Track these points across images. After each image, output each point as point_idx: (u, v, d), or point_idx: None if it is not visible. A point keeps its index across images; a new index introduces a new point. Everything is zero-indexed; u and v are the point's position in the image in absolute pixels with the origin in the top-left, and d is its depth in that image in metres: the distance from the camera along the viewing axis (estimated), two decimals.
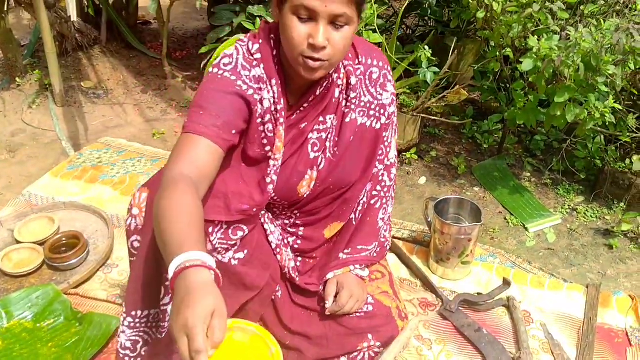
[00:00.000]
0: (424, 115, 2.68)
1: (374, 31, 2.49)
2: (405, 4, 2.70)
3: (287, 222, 1.63)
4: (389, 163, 1.64)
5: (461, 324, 1.90)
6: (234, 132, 1.31)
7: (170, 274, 1.03)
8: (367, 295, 1.67)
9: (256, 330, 1.16)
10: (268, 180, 1.42)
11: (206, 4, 3.85)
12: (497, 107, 3.01)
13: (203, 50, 2.90)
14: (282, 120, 1.39)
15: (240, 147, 1.41)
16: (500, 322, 1.94)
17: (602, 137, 2.57)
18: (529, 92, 2.38)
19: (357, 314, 1.65)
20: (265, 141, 1.41)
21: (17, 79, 3.32)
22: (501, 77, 2.79)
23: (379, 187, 1.65)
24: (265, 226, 1.58)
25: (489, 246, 2.26)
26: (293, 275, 1.64)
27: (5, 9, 3.01)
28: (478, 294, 2.02)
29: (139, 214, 1.39)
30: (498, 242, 2.31)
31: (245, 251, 1.48)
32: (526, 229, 2.38)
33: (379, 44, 2.51)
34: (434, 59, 2.41)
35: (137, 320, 1.50)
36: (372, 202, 1.66)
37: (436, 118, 2.72)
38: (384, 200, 1.67)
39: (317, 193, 1.54)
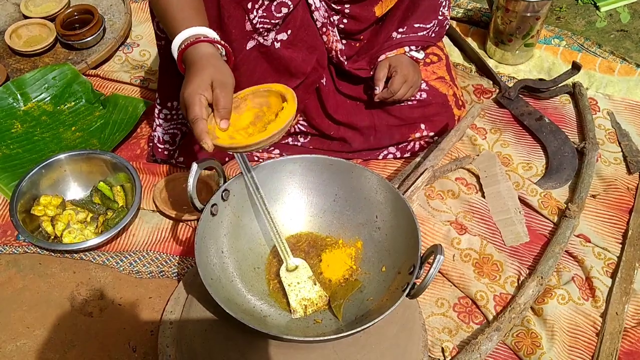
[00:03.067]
0: None
1: None
2: None
3: (333, 19, 1.41)
4: None
5: (520, 112, 1.72)
6: None
7: (175, 55, 1.06)
8: (421, 81, 1.49)
9: (271, 87, 1.04)
10: None
11: None
12: None
13: None
14: None
15: None
16: (563, 110, 1.76)
17: None
18: None
19: (410, 102, 1.51)
20: None
21: None
22: None
23: None
24: (310, 0, 1.34)
25: (554, 27, 1.99)
26: (341, 59, 1.44)
27: None
28: (540, 79, 1.81)
29: None
30: (564, 23, 2.04)
31: (289, 31, 1.30)
32: (597, 7, 2.09)
33: None
34: None
35: (173, 112, 1.45)
36: None
37: None
38: None
39: None
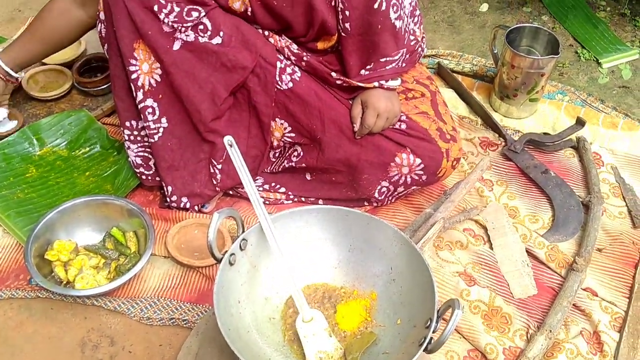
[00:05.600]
0: None
1: None
2: None
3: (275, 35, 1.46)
4: None
5: (526, 165, 1.76)
6: None
7: None
8: (399, 110, 1.50)
9: None
10: None
11: None
12: None
13: None
14: None
15: None
16: (568, 164, 1.79)
17: None
18: None
19: (390, 128, 1.50)
20: None
21: None
22: None
23: None
24: (249, 12, 1.40)
25: (558, 82, 2.05)
26: (298, 52, 1.45)
27: None
28: (545, 133, 1.86)
29: (105, 18, 1.35)
30: (568, 78, 2.09)
31: (221, 33, 1.36)
32: (599, 64, 2.14)
33: None
34: None
35: (135, 132, 1.50)
36: (376, 6, 1.34)
37: None
38: None
39: (259, 8, 1.37)
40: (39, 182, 1.61)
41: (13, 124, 1.72)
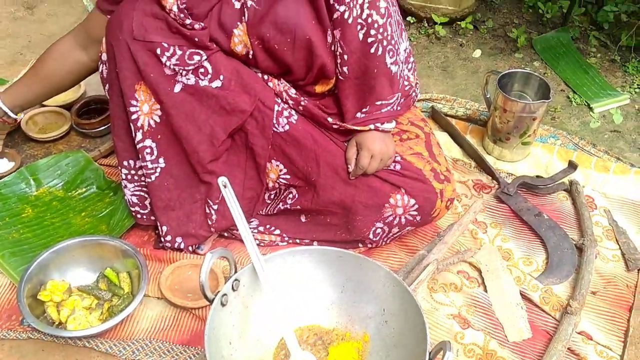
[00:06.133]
0: None
1: None
2: None
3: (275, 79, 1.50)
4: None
5: (519, 207, 1.77)
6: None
7: None
8: (394, 151, 1.52)
9: None
10: (186, 30, 1.34)
11: None
12: None
13: None
14: None
15: None
16: (561, 207, 1.80)
17: None
18: None
19: (385, 169, 1.52)
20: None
21: None
22: None
23: (372, 31, 1.37)
24: (251, 55, 1.43)
25: (550, 126, 2.08)
26: (296, 97, 1.48)
27: None
28: (538, 176, 1.87)
29: (107, 59, 1.39)
30: (560, 122, 2.12)
31: (221, 77, 1.38)
32: (590, 108, 2.18)
33: None
34: None
35: (133, 172, 1.51)
36: (372, 50, 1.39)
37: None
38: (385, 43, 1.40)
39: (263, 53, 1.40)
40: (35, 222, 1.61)
41: (10, 165, 1.74)
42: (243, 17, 1.36)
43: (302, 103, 1.49)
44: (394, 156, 1.53)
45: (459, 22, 2.52)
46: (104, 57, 1.41)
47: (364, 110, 1.49)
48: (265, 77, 1.47)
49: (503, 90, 1.85)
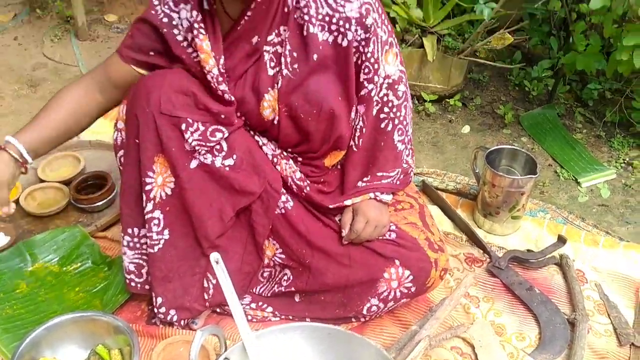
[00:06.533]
0: (470, 59, 2.50)
1: None
2: None
3: (284, 153, 1.54)
4: (391, 81, 1.45)
5: (511, 281, 1.78)
6: (151, 53, 1.42)
7: None
8: (389, 221, 1.55)
9: None
10: (219, 92, 1.38)
11: None
12: (545, 52, 2.81)
13: None
14: (196, 32, 1.35)
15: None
16: (552, 281, 1.81)
17: None
18: (591, 35, 2.19)
19: (380, 239, 1.54)
20: (197, 59, 1.38)
21: (38, 10, 3.16)
22: (555, 19, 2.58)
23: (386, 109, 1.47)
24: (257, 138, 1.48)
25: (539, 200, 2.12)
26: (298, 183, 1.52)
27: None
28: (528, 250, 1.90)
29: (123, 127, 1.40)
30: (548, 197, 2.17)
31: (234, 156, 1.41)
32: (578, 183, 2.23)
33: None
34: None
35: (135, 240, 1.50)
36: (382, 125, 1.48)
37: (485, 61, 2.53)
38: (396, 122, 1.50)
39: (288, 120, 1.43)
40: (29, 298, 1.62)
41: (6, 240, 1.76)
42: (276, 85, 1.40)
43: (305, 191, 1.53)
44: (389, 225, 1.55)
45: (447, 100, 2.62)
46: (120, 125, 1.43)
47: (365, 179, 1.55)
48: (275, 160, 1.51)
49: (491, 166, 1.90)
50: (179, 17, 1.37)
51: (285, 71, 1.38)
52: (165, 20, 1.38)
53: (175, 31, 1.39)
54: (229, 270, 1.27)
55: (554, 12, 2.38)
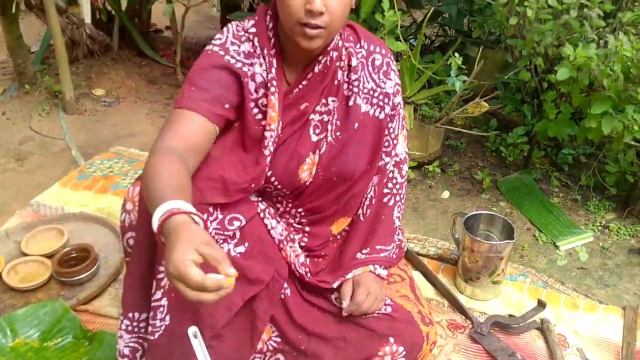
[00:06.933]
0: (447, 127, 2.58)
1: (397, 38, 2.40)
2: (429, 13, 2.60)
3: (291, 220, 1.56)
4: (398, 159, 1.59)
5: (493, 347, 1.78)
6: (226, 106, 1.34)
7: (154, 226, 1.04)
8: (385, 297, 1.57)
9: None
10: (266, 152, 1.38)
11: (220, 12, 3.80)
12: (520, 119, 2.91)
13: None
14: (273, 89, 1.36)
15: (238, 129, 1.40)
16: (534, 346, 1.82)
17: (634, 151, 2.46)
18: (561, 103, 2.28)
19: (376, 314, 1.55)
20: (260, 116, 1.38)
21: (27, 85, 3.24)
22: (527, 87, 2.69)
23: (390, 185, 1.59)
24: (266, 221, 1.49)
25: (519, 264, 2.15)
26: (301, 271, 1.54)
27: (14, 11, 2.93)
28: (510, 315, 1.91)
29: (132, 209, 1.35)
30: (528, 261, 2.20)
31: (246, 244, 1.41)
32: (557, 246, 2.27)
33: (402, 52, 2.43)
34: (464, 67, 2.31)
35: (135, 324, 1.45)
36: (385, 200, 1.59)
37: (460, 130, 2.61)
38: (397, 198, 1.61)
39: (319, 183, 1.47)
40: None
41: None
42: (318, 150, 1.45)
43: (307, 278, 1.55)
44: (385, 299, 1.57)
45: (427, 166, 2.68)
46: (129, 206, 1.36)
47: (364, 251, 1.59)
48: (281, 245, 1.52)
49: (470, 231, 1.94)
50: (254, 71, 1.37)
51: (329, 138, 1.45)
52: (245, 69, 1.36)
53: (252, 83, 1.37)
54: (220, 353, 1.26)
55: (525, 81, 2.48)
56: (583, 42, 2.04)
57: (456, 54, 2.27)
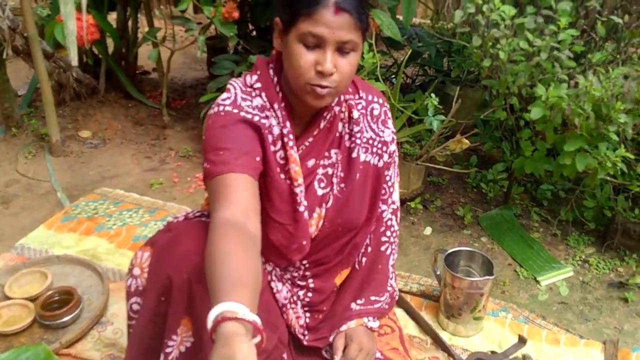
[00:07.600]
0: (428, 164, 2.63)
1: (377, 79, 2.46)
2: (408, 54, 2.68)
3: (296, 274, 1.56)
4: (395, 207, 1.61)
5: None
6: (257, 159, 1.31)
7: (208, 324, 1.00)
8: (376, 350, 1.59)
9: None
10: (301, 208, 1.39)
11: (206, 54, 3.87)
12: (500, 155, 2.97)
13: (203, 98, 2.87)
14: (291, 143, 1.36)
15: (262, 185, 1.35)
16: None
17: (611, 186, 2.52)
18: (536, 141, 2.34)
19: None
20: (278, 169, 1.37)
21: (13, 129, 3.27)
22: (504, 125, 2.76)
23: (388, 233, 1.60)
24: (273, 284, 1.51)
25: (500, 300, 2.17)
26: (300, 335, 1.56)
27: (3, 57, 2.98)
28: (492, 352, 1.93)
29: (140, 275, 1.34)
30: (509, 296, 2.22)
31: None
32: (537, 281, 2.30)
33: (382, 93, 2.49)
34: (440, 107, 2.38)
35: None
36: (383, 248, 1.61)
37: (441, 167, 2.66)
38: (394, 246, 1.64)
39: (324, 235, 1.48)
40: None
41: None
42: (325, 204, 1.46)
43: (304, 341, 1.57)
44: (376, 353, 1.60)
45: (409, 203, 2.71)
46: (137, 272, 1.35)
47: (358, 302, 1.61)
48: (284, 309, 1.54)
49: (451, 267, 1.97)
50: (270, 123, 1.36)
51: (335, 191, 1.46)
52: (263, 122, 1.34)
53: (270, 136, 1.36)
54: None
55: (502, 120, 2.55)
56: (555, 82, 2.11)
57: (432, 95, 2.33)
